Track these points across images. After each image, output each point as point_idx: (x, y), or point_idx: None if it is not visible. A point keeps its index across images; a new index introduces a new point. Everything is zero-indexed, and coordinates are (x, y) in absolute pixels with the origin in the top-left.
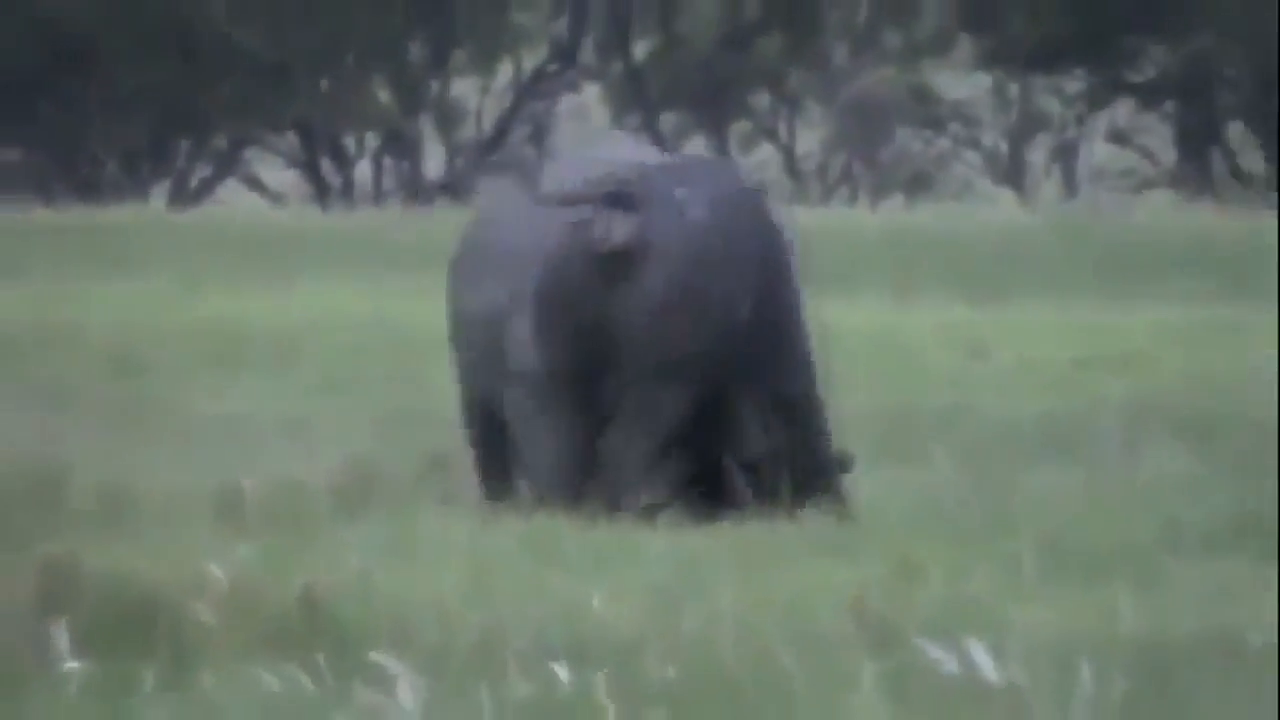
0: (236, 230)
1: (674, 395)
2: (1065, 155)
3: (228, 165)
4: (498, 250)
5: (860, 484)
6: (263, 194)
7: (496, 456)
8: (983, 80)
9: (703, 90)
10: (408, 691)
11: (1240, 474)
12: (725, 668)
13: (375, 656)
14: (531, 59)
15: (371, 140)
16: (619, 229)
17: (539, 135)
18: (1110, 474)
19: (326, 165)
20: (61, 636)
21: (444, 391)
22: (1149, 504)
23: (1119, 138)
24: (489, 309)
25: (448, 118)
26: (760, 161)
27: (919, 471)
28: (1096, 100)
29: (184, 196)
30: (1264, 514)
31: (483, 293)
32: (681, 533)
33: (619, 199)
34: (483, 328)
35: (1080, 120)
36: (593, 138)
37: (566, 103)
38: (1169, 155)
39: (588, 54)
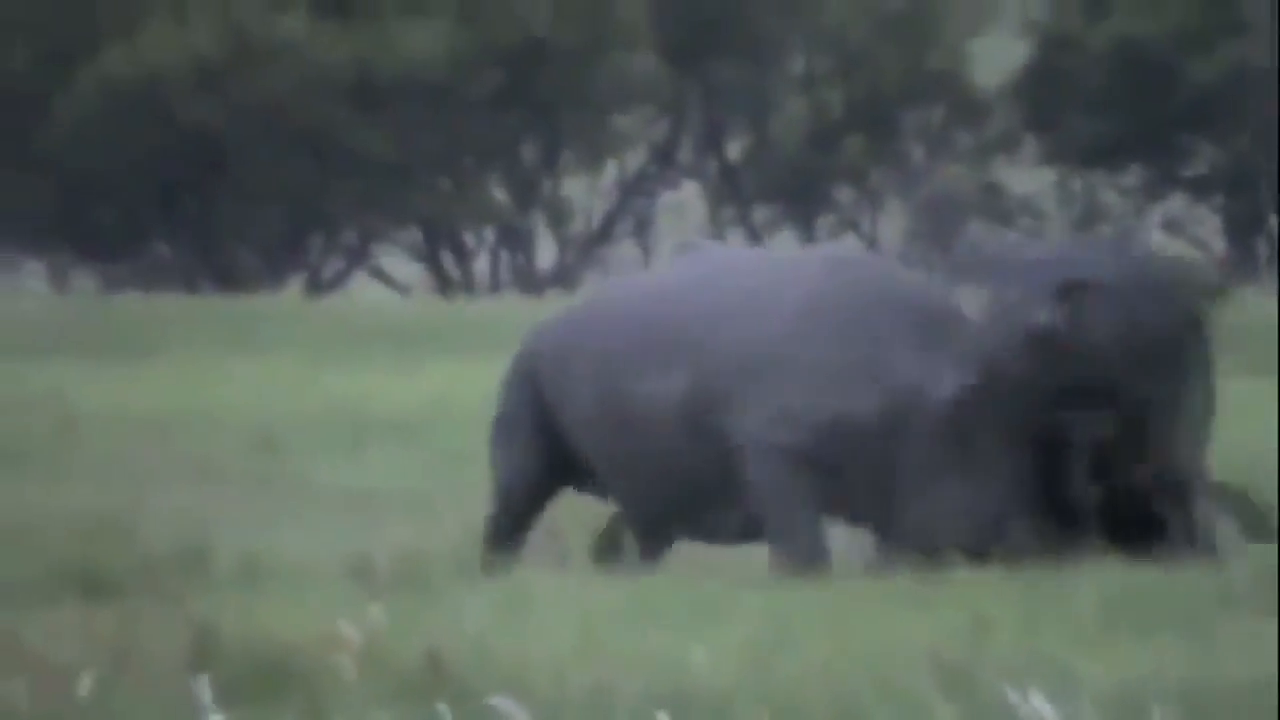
0: (365, 317)
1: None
2: None
3: (357, 258)
4: (676, 337)
5: None
6: (389, 285)
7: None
8: (1048, 176)
9: (792, 186)
10: None
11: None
12: (814, 714)
13: (493, 701)
14: (634, 159)
15: (489, 235)
16: (1050, 313)
17: (641, 229)
18: None
19: (447, 258)
20: (207, 690)
21: None
22: (1195, 566)
23: (1173, 228)
24: (679, 392)
25: (558, 214)
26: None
27: None
28: (1152, 194)
29: (318, 287)
30: None
31: (665, 377)
32: (772, 590)
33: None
34: (663, 412)
35: (1137, 212)
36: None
37: (666, 199)
38: (1219, 244)
39: (685, 154)
